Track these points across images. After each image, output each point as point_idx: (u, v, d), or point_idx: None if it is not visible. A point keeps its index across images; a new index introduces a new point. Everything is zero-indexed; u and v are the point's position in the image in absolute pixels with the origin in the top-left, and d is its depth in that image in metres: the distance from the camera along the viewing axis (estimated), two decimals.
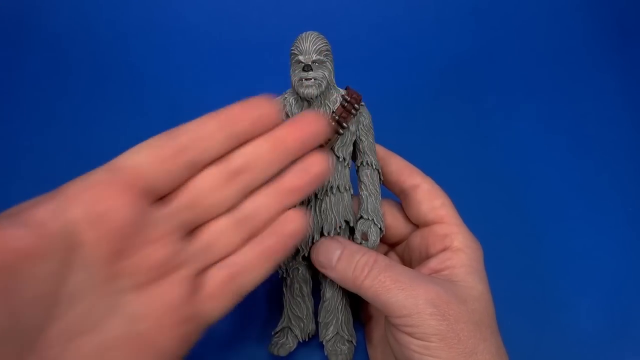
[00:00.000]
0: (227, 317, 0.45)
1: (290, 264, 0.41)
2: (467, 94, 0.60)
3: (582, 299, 0.48)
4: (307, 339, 0.42)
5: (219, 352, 0.45)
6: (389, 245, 0.45)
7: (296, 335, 0.42)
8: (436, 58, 0.62)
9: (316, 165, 0.33)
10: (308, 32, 0.38)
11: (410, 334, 0.34)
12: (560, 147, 0.57)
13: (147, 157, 0.30)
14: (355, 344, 0.42)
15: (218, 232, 0.32)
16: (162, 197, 0.31)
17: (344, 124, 0.39)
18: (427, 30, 0.64)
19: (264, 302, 0.47)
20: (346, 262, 0.37)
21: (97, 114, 0.57)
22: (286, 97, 0.40)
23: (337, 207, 0.39)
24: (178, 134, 0.31)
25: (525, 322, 0.46)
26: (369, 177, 0.40)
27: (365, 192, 0.40)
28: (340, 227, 0.39)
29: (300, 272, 0.41)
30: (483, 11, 0.65)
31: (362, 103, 0.40)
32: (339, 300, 0.41)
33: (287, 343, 0.41)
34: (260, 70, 0.59)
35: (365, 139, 0.40)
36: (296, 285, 0.42)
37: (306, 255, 0.40)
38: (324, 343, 0.41)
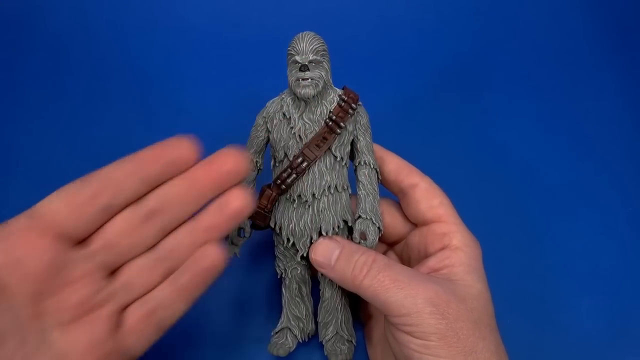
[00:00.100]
0: (227, 318, 0.46)
1: (289, 264, 0.41)
2: (467, 94, 0.60)
3: (582, 299, 0.48)
4: (306, 339, 0.42)
5: (219, 352, 0.45)
6: (388, 244, 0.45)
7: (296, 336, 0.42)
8: (436, 58, 0.62)
9: (232, 204, 0.34)
10: (304, 32, 0.39)
11: (409, 333, 0.34)
12: (560, 147, 0.57)
13: (62, 205, 0.31)
14: (355, 343, 0.42)
15: (137, 270, 0.33)
16: (82, 239, 0.32)
17: (341, 124, 0.39)
18: (427, 30, 0.64)
19: (264, 303, 0.47)
20: (345, 261, 0.37)
21: (97, 114, 0.57)
22: (283, 98, 0.40)
23: (335, 206, 0.39)
24: (92, 179, 0.32)
25: (525, 322, 0.46)
26: (367, 177, 0.40)
27: (363, 191, 0.39)
28: (338, 226, 0.39)
29: (299, 272, 0.41)
30: (483, 11, 0.65)
31: (359, 102, 0.40)
32: (338, 300, 0.41)
33: (286, 343, 0.41)
34: (260, 70, 0.59)
35: (363, 138, 0.40)
36: (295, 286, 0.41)
37: (305, 255, 0.40)
38: (323, 343, 0.41)
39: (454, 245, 0.38)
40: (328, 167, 0.39)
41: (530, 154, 0.56)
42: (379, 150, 0.42)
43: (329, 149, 0.39)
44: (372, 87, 0.57)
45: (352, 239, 0.39)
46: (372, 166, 0.40)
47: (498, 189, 0.54)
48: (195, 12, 0.63)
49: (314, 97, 0.39)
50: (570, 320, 0.47)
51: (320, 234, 0.39)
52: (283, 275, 0.42)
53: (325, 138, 0.38)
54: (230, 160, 0.33)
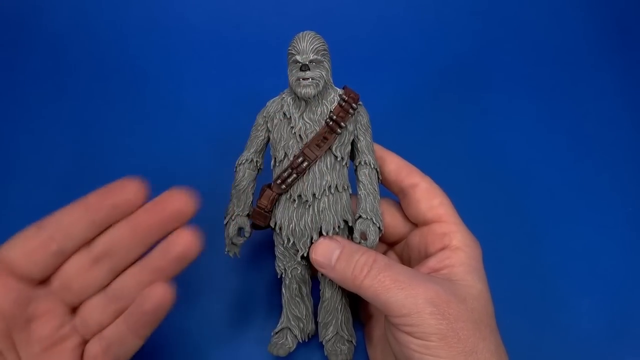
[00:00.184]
0: (227, 318, 0.46)
1: (289, 264, 0.41)
2: (467, 94, 0.60)
3: (582, 299, 0.48)
4: (306, 339, 0.42)
5: (219, 352, 0.45)
6: (388, 244, 0.45)
7: (296, 336, 0.42)
8: (436, 58, 0.62)
9: (176, 247, 0.34)
10: (305, 32, 0.39)
11: (410, 333, 0.34)
12: (560, 147, 0.57)
13: (19, 251, 0.34)
14: (355, 343, 0.42)
15: (92, 309, 0.35)
16: (42, 280, 0.35)
17: (342, 124, 0.39)
18: (427, 30, 0.64)
19: (264, 303, 0.47)
20: (345, 261, 0.37)
21: (97, 114, 0.57)
22: (284, 97, 0.40)
23: (336, 206, 0.39)
24: (45, 225, 0.34)
25: (525, 322, 0.46)
26: (367, 177, 0.40)
27: (363, 191, 0.39)
28: (338, 226, 0.39)
29: (299, 272, 0.41)
30: (483, 11, 0.65)
31: (360, 102, 0.40)
32: (338, 300, 0.41)
33: (286, 343, 0.41)
34: (260, 70, 0.59)
35: (363, 138, 0.40)
36: (295, 286, 0.41)
37: (305, 255, 0.40)
38: (323, 343, 0.41)
39: (454, 245, 0.38)
40: (328, 167, 0.39)
41: (530, 154, 0.56)
42: (380, 150, 0.42)
43: (330, 148, 0.39)
44: (372, 87, 0.57)
45: (352, 239, 0.39)
46: (372, 166, 0.40)
47: (498, 189, 0.54)
48: (195, 12, 0.63)
49: (314, 96, 0.39)
50: (570, 321, 0.47)
51: (320, 234, 0.39)
52: (283, 275, 0.42)
53: (325, 138, 0.38)
54: (173, 203, 0.34)
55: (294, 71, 0.38)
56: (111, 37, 0.62)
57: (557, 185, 0.54)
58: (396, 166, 0.42)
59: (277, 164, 0.40)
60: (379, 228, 0.39)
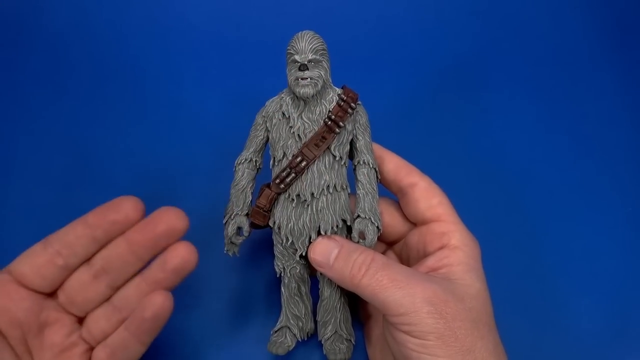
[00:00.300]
0: (227, 317, 0.46)
1: (288, 263, 0.41)
2: (467, 94, 0.60)
3: (582, 299, 0.48)
4: (306, 338, 0.42)
5: (219, 352, 0.45)
6: (387, 243, 0.45)
7: (295, 335, 0.42)
8: (436, 58, 0.62)
9: (172, 261, 0.36)
10: (304, 32, 0.39)
11: (407, 333, 0.34)
12: (560, 147, 0.57)
13: (29, 265, 0.37)
14: (354, 342, 0.42)
15: (97, 319, 0.38)
16: (50, 293, 0.38)
17: (341, 123, 0.39)
18: (427, 30, 0.64)
19: (263, 302, 0.47)
20: (343, 261, 0.37)
21: (97, 114, 0.57)
22: (283, 97, 0.40)
23: (334, 206, 0.39)
24: (51, 241, 0.37)
25: (525, 322, 0.46)
26: (366, 176, 0.40)
27: (362, 190, 0.39)
28: (337, 226, 0.39)
29: (297, 271, 0.41)
30: (483, 11, 0.65)
31: (359, 102, 0.40)
32: (337, 299, 0.41)
33: (286, 342, 0.41)
34: (260, 70, 0.59)
35: (362, 137, 0.40)
36: (294, 285, 0.41)
37: (304, 254, 0.40)
38: (322, 342, 0.41)
39: (453, 244, 0.38)
40: (327, 166, 0.39)
41: (530, 154, 0.56)
42: (378, 149, 0.42)
43: (328, 148, 0.39)
44: (372, 87, 0.57)
45: (351, 238, 0.39)
46: (371, 165, 0.40)
47: (498, 189, 0.54)
48: (195, 12, 0.63)
49: (313, 96, 0.39)
50: (570, 320, 0.47)
51: (319, 233, 0.39)
52: (282, 274, 0.42)
53: (324, 137, 0.38)
54: (166, 221, 0.36)
55: (292, 71, 0.38)
56: (111, 37, 0.62)
57: (557, 185, 0.54)
58: (395, 165, 0.42)
59: (276, 164, 0.40)
60: (377, 227, 0.39)
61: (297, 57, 0.38)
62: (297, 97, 0.39)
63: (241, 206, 0.40)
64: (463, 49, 0.63)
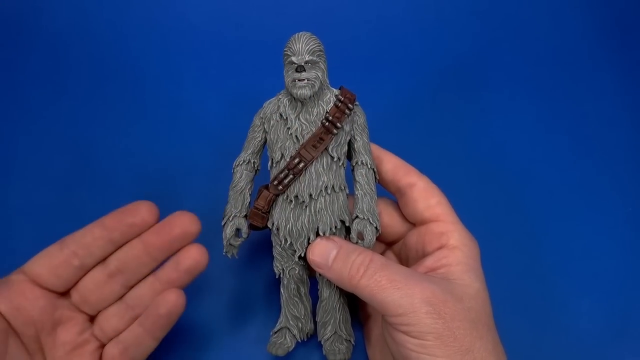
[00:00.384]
0: (226, 318, 0.46)
1: (287, 264, 0.41)
2: (467, 94, 0.60)
3: (582, 299, 0.48)
4: (305, 339, 0.42)
5: (219, 352, 0.45)
6: (386, 244, 0.45)
7: (294, 335, 0.42)
8: (436, 58, 0.62)
9: (188, 260, 0.39)
10: (300, 33, 0.39)
11: (406, 333, 0.34)
12: (560, 147, 0.57)
13: (44, 265, 0.38)
14: (353, 343, 0.42)
15: (109, 317, 0.40)
16: (64, 292, 0.39)
17: (338, 124, 0.38)
18: (427, 30, 0.64)
19: (262, 303, 0.47)
20: (342, 261, 0.37)
21: (97, 114, 0.57)
22: (280, 98, 0.40)
23: (333, 206, 0.39)
24: (68, 242, 0.38)
25: (525, 322, 0.46)
26: (364, 177, 0.40)
27: (360, 191, 0.39)
28: (335, 226, 0.39)
29: (297, 272, 0.41)
30: (483, 11, 0.65)
31: (356, 103, 0.40)
32: (336, 300, 0.41)
33: (285, 343, 0.41)
34: (259, 70, 0.59)
35: (360, 138, 0.40)
36: (293, 285, 0.41)
37: (302, 255, 0.40)
38: (322, 342, 0.41)
39: (452, 244, 0.38)
40: (325, 167, 0.39)
41: (530, 154, 0.56)
42: (377, 149, 0.42)
43: (326, 149, 0.39)
44: (372, 87, 0.58)
45: (349, 239, 0.39)
46: (369, 166, 0.40)
47: (498, 188, 0.54)
48: (195, 12, 0.63)
49: (310, 97, 0.39)
50: (570, 321, 0.47)
51: (317, 234, 0.39)
52: (281, 275, 0.42)
53: (321, 139, 0.38)
54: (180, 225, 0.38)
55: (289, 72, 0.38)
56: (111, 37, 0.62)
57: (557, 185, 0.54)
58: (393, 166, 0.42)
59: (274, 165, 0.40)
60: (376, 228, 0.39)
61: (294, 59, 0.38)
62: (294, 98, 0.39)
63: (239, 208, 0.40)
64: (463, 49, 0.63)
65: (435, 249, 0.39)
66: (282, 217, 0.40)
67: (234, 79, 0.59)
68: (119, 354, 0.38)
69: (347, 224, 0.40)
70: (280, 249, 0.41)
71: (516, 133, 0.57)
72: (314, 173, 0.39)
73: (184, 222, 0.38)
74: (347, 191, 0.40)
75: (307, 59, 0.38)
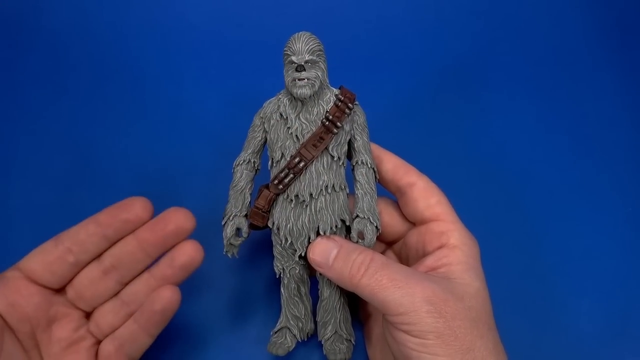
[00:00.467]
0: (227, 317, 0.46)
1: (287, 264, 0.41)
2: (467, 94, 0.60)
3: (582, 299, 0.48)
4: (305, 339, 0.42)
5: (219, 352, 0.45)
6: (386, 243, 0.45)
7: (295, 335, 0.42)
8: (436, 58, 0.62)
9: (182, 257, 0.38)
10: (300, 33, 0.39)
11: (407, 332, 0.34)
12: (560, 147, 0.57)
13: (39, 261, 0.38)
14: (354, 342, 0.42)
15: (105, 313, 0.39)
16: (59, 289, 0.39)
17: (338, 124, 0.39)
18: (427, 30, 0.64)
19: (263, 302, 0.47)
20: (342, 261, 0.37)
21: (97, 114, 0.57)
22: (280, 98, 0.40)
23: (333, 206, 0.39)
24: (63, 239, 0.38)
25: (525, 322, 0.46)
26: (364, 176, 0.40)
27: (360, 190, 0.39)
28: (336, 226, 0.39)
29: (297, 271, 0.41)
30: (483, 11, 0.65)
31: (356, 102, 0.40)
32: (336, 300, 0.41)
33: (285, 343, 0.41)
34: (259, 70, 0.59)
35: (360, 137, 0.40)
36: (293, 285, 0.41)
37: (303, 254, 0.40)
38: (322, 342, 0.41)
39: (452, 243, 0.38)
40: (325, 166, 0.39)
41: (530, 154, 0.56)
42: (377, 149, 0.42)
43: (326, 148, 0.39)
44: (372, 87, 0.58)
45: (350, 239, 0.39)
46: (369, 165, 0.40)
47: (498, 188, 0.54)
48: (195, 12, 0.63)
49: (310, 97, 0.39)
50: (570, 321, 0.47)
51: (318, 234, 0.39)
52: (282, 275, 0.42)
53: (322, 138, 0.38)
54: (175, 221, 0.38)
55: (289, 72, 0.38)
56: (111, 37, 0.62)
57: (557, 185, 0.54)
58: (393, 165, 0.42)
59: (274, 165, 0.40)
60: (376, 227, 0.39)
61: (294, 58, 0.38)
62: (294, 98, 0.39)
63: (240, 207, 0.40)
64: (463, 49, 0.63)
65: (435, 248, 0.39)
66: (282, 216, 0.40)
67: (234, 79, 0.59)
68: (115, 351, 0.38)
69: (347, 224, 0.40)
70: (280, 249, 0.41)
71: (516, 133, 0.57)
72: (315, 172, 0.39)
73: (178, 218, 0.38)
74: (348, 190, 0.40)
75: (307, 58, 0.38)
